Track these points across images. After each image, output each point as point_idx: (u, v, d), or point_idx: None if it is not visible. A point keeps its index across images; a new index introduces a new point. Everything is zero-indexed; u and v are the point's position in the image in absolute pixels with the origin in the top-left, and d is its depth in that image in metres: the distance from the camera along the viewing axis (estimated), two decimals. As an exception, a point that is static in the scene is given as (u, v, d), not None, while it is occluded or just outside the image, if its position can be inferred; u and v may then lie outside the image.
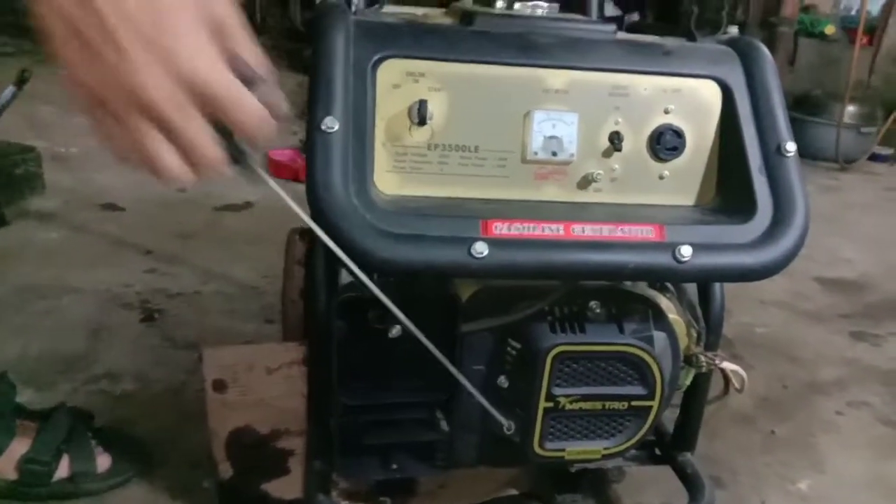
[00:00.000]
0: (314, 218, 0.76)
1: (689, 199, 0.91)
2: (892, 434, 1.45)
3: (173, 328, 1.61)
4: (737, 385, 1.18)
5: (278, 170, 2.57)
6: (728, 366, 1.11)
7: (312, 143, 0.76)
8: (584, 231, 0.80)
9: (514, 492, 1.19)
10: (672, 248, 0.80)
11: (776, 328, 1.86)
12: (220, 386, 1.33)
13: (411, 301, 0.87)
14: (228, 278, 1.86)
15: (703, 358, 0.99)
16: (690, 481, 1.05)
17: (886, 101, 3.82)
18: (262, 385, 1.34)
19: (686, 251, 0.79)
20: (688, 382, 1.02)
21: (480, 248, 0.75)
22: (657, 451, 1.13)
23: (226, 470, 1.16)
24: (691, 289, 1.03)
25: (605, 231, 0.80)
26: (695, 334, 1.01)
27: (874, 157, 3.66)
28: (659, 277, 0.90)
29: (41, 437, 1.15)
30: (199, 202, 2.40)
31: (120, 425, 1.26)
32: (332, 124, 0.76)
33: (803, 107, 3.66)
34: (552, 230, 0.79)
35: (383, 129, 0.82)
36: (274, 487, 1.13)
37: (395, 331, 0.87)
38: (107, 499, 1.14)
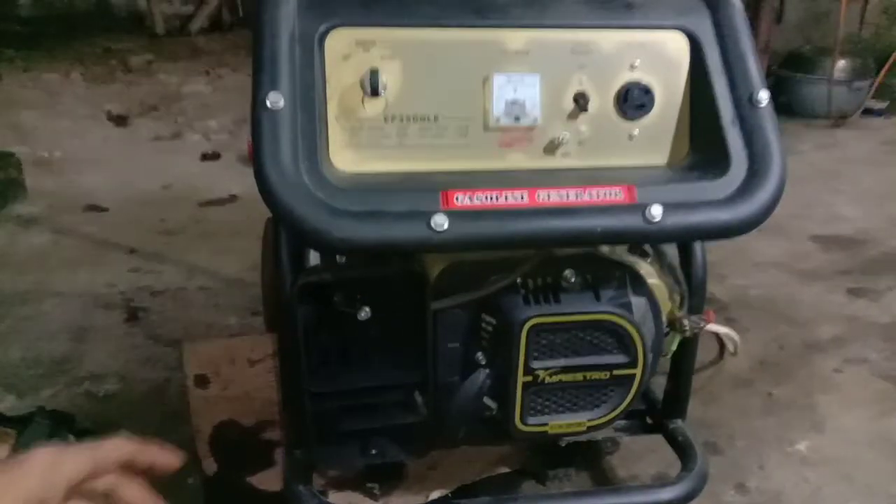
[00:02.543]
0: (264, 200, 0.73)
1: (661, 159, 0.87)
2: (891, 389, 1.42)
3: (157, 326, 1.58)
4: (731, 349, 1.16)
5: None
6: (721, 329, 1.08)
7: (258, 121, 0.73)
8: (549, 197, 0.76)
9: (505, 470, 1.16)
10: (642, 208, 0.76)
11: (772, 289, 1.82)
12: (202, 381, 1.32)
13: (378, 281, 0.85)
14: (213, 273, 1.83)
15: (687, 322, 0.96)
16: (682, 449, 1.02)
17: (878, 54, 3.75)
18: (245, 378, 1.33)
19: (656, 211, 0.75)
20: (674, 348, 0.99)
21: (440, 221, 0.72)
22: (648, 421, 1.10)
23: (210, 465, 1.14)
24: (672, 252, 1.00)
25: (571, 196, 0.77)
26: (678, 298, 0.98)
27: (867, 112, 3.59)
28: (630, 240, 0.87)
29: (21, 443, 1.13)
30: (184, 198, 2.38)
31: (103, 427, 1.24)
32: (277, 100, 0.73)
33: (793, 64, 3.59)
34: (516, 198, 0.76)
35: (335, 103, 0.79)
36: (260, 480, 1.11)
37: (364, 313, 0.85)
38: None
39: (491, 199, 0.75)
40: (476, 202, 0.75)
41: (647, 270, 0.94)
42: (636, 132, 0.86)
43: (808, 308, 1.73)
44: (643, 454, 1.21)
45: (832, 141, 3.13)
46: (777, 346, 1.57)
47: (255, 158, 0.73)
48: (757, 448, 1.24)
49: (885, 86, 3.70)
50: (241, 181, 2.45)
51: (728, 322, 1.61)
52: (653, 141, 0.87)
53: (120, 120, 3.36)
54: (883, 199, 2.43)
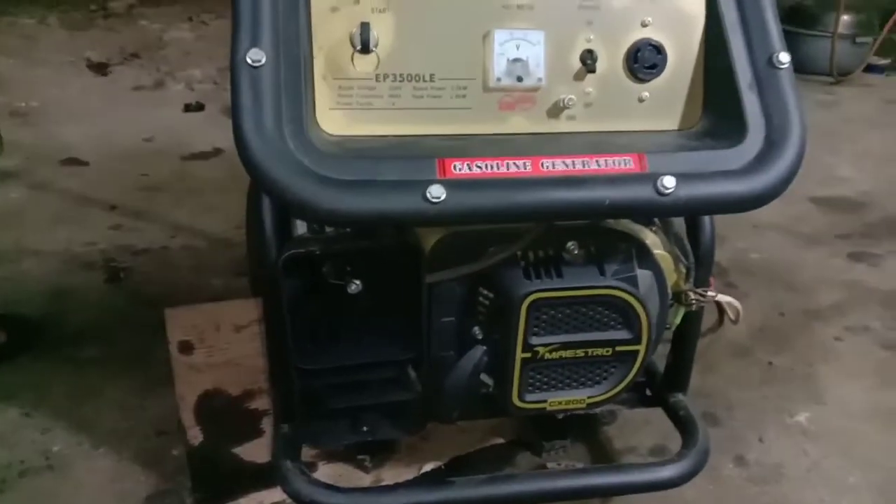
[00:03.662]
0: (245, 167, 0.67)
1: (672, 123, 0.82)
2: (892, 359, 1.39)
3: (139, 287, 1.53)
4: (731, 316, 1.12)
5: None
6: (722, 298, 1.04)
7: (237, 79, 0.67)
8: (553, 166, 0.71)
9: (500, 441, 1.13)
10: (653, 179, 0.71)
11: (772, 253, 1.78)
12: (185, 348, 1.27)
13: (369, 252, 0.80)
14: (197, 231, 1.77)
15: (692, 295, 0.92)
16: (683, 424, 0.99)
17: (882, 9, 3.65)
18: (231, 344, 1.28)
19: (669, 182, 0.70)
20: (678, 321, 0.95)
21: (437, 192, 0.66)
22: (648, 393, 1.07)
23: (195, 436, 1.10)
24: (679, 220, 0.95)
25: (577, 164, 0.71)
26: (683, 270, 0.93)
27: (869, 69, 3.51)
28: (640, 213, 0.82)
29: None
30: (167, 152, 2.29)
31: (83, 396, 1.20)
32: (258, 56, 0.66)
33: (795, 19, 3.49)
34: (518, 167, 0.70)
35: (322, 60, 0.72)
36: (247, 451, 1.08)
37: (354, 286, 0.80)
38: (71, 470, 1.08)
39: (491, 167, 0.70)
40: (475, 171, 0.69)
41: (652, 240, 0.89)
42: (646, 95, 0.80)
43: (809, 273, 1.70)
44: (640, 426, 1.18)
45: (833, 99, 3.06)
46: (777, 312, 1.54)
47: (235, 121, 0.67)
48: (756, 419, 1.22)
49: (889, 41, 3.61)
50: (226, 134, 2.31)
51: (728, 288, 1.58)
52: (663, 104, 0.81)
53: (100, 68, 3.23)
54: (884, 161, 2.38)
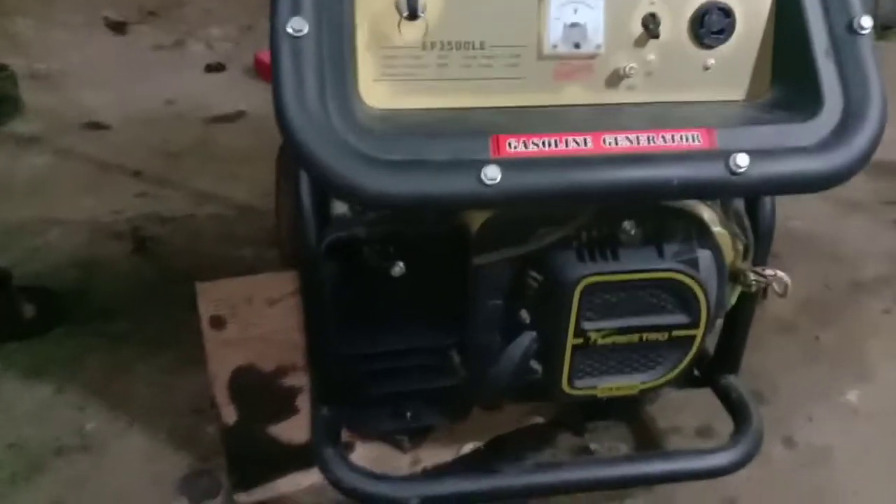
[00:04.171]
0: (286, 143, 0.62)
1: (739, 93, 0.76)
2: (944, 332, 1.34)
3: (167, 258, 1.50)
4: (779, 290, 1.07)
5: (268, 73, 2.38)
6: (770, 272, 0.99)
7: (277, 50, 0.62)
8: (616, 142, 0.66)
9: (539, 420, 1.10)
10: (725, 156, 0.66)
11: (814, 221, 1.72)
12: (217, 323, 1.24)
13: (414, 235, 0.75)
14: (224, 199, 1.73)
15: (751, 275, 0.87)
16: (736, 407, 0.95)
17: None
18: (264, 319, 1.25)
19: (742, 161, 0.65)
20: (733, 302, 0.91)
21: (492, 174, 0.61)
22: (696, 373, 1.03)
23: (230, 414, 1.08)
24: (737, 195, 0.89)
25: (642, 140, 0.66)
26: (741, 247, 0.88)
27: (914, 22, 3.37)
28: (710, 194, 0.77)
29: None
30: (189, 115, 2.24)
31: (115, 372, 1.18)
32: (300, 26, 0.61)
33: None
34: (578, 144, 0.65)
35: (366, 29, 0.67)
36: (282, 430, 1.05)
37: (398, 269, 0.76)
38: (106, 449, 1.06)
39: (549, 145, 0.65)
40: (532, 149, 0.64)
41: (709, 216, 0.84)
42: (712, 62, 0.74)
43: (853, 243, 1.63)
44: (683, 405, 1.14)
45: (877, 56, 2.93)
46: (822, 285, 1.48)
47: (276, 95, 0.63)
48: (804, 398, 1.18)
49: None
50: (249, 95, 2.31)
51: (772, 258, 1.52)
52: (730, 73, 0.75)
53: (118, 27, 3.17)
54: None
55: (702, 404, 1.09)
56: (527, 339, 0.78)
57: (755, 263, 0.88)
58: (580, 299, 0.75)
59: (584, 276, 0.74)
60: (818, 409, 1.16)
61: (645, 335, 0.79)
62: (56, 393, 1.15)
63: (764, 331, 1.32)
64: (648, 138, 0.66)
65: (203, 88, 2.51)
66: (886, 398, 1.18)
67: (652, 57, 0.73)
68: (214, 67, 2.71)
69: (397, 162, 0.62)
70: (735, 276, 0.87)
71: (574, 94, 0.73)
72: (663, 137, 0.66)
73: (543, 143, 0.64)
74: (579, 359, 0.79)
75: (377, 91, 0.69)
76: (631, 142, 0.66)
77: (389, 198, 0.61)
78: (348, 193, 0.62)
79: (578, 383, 0.81)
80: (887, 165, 1.99)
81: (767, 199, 0.89)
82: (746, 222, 0.87)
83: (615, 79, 0.73)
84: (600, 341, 0.78)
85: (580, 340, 0.78)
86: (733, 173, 0.65)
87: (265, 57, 2.55)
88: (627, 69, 0.72)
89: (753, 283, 0.86)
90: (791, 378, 1.22)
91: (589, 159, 0.64)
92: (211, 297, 1.24)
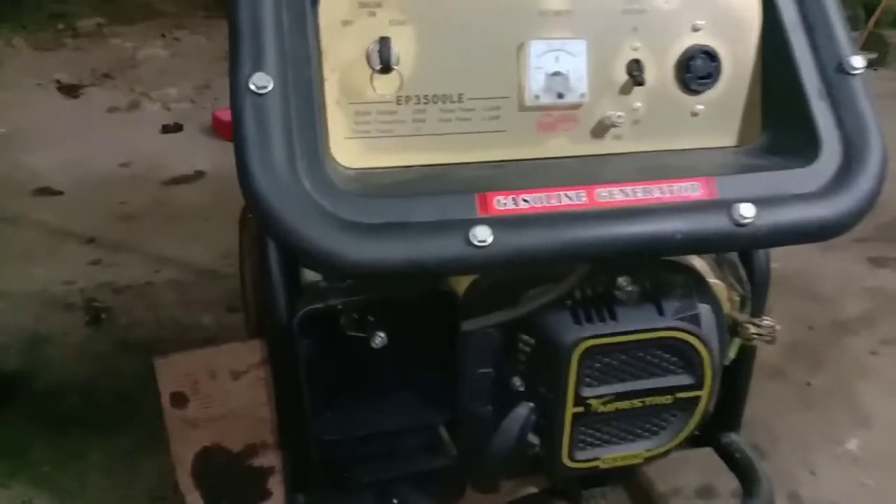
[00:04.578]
0: (253, 210, 0.56)
1: (729, 139, 0.73)
2: (934, 371, 1.32)
3: (123, 330, 1.41)
4: (767, 337, 1.03)
5: (226, 131, 2.33)
6: (769, 322, 0.95)
7: (240, 110, 0.56)
8: (611, 195, 0.61)
9: (534, 490, 1.03)
10: (727, 206, 0.61)
11: (790, 261, 1.70)
12: (179, 400, 1.14)
13: (394, 301, 0.69)
14: (182, 263, 1.65)
15: (751, 327, 0.82)
16: (741, 469, 0.90)
17: (867, 3, 3.62)
18: (229, 393, 1.16)
19: (747, 211, 0.60)
20: (732, 356, 0.86)
21: (482, 235, 0.56)
22: (696, 432, 0.97)
23: (195, 501, 0.99)
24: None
25: (638, 193, 0.61)
26: (737, 298, 0.84)
27: (859, 63, 3.47)
28: (716, 247, 0.72)
29: None
30: (145, 177, 2.17)
31: (66, 461, 1.08)
32: (263, 82, 0.56)
33: (784, 15, 3.45)
34: (571, 199, 0.60)
35: (335, 83, 0.62)
36: (253, 517, 0.96)
37: (379, 339, 0.69)
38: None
39: (541, 201, 0.59)
40: (522, 206, 0.59)
41: (701, 267, 0.79)
42: (700, 108, 0.71)
43: (830, 281, 1.62)
44: (679, 464, 1.09)
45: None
46: (806, 326, 1.45)
47: (240, 158, 0.57)
48: (803, 449, 1.13)
49: (875, 35, 3.58)
50: (207, 155, 2.26)
51: (753, 302, 1.49)
52: (719, 118, 0.72)
53: (70, 90, 3.10)
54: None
55: (700, 462, 1.03)
56: (522, 410, 0.72)
57: (753, 314, 0.84)
58: (579, 364, 0.69)
59: (583, 339, 0.68)
60: (820, 461, 1.11)
61: (648, 399, 0.73)
62: (-1, 487, 1.05)
63: (754, 378, 1.28)
64: (644, 190, 0.62)
65: (160, 149, 2.44)
66: (886, 444, 1.14)
67: (638, 104, 0.69)
68: (171, 128, 2.64)
69: (377, 226, 0.56)
70: (733, 330, 0.83)
71: (559, 145, 0.68)
72: (660, 189, 0.62)
73: (535, 199, 0.59)
74: (580, 429, 0.73)
75: (349, 149, 0.64)
76: (626, 195, 0.61)
77: (370, 265, 0.55)
78: (324, 262, 0.56)
79: (580, 455, 0.74)
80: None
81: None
82: (742, 272, 0.83)
83: (601, 128, 0.69)
84: (601, 408, 0.72)
85: (580, 409, 0.71)
86: (738, 224, 0.60)
87: (223, 115, 2.49)
88: (614, 118, 0.68)
89: (755, 336, 0.81)
90: (788, 427, 1.18)
91: (584, 215, 0.59)
92: (170, 372, 1.15)
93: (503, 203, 0.59)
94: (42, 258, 1.70)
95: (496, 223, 0.57)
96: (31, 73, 3.17)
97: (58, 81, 3.14)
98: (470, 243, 0.56)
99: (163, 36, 3.73)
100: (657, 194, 0.62)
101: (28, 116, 2.70)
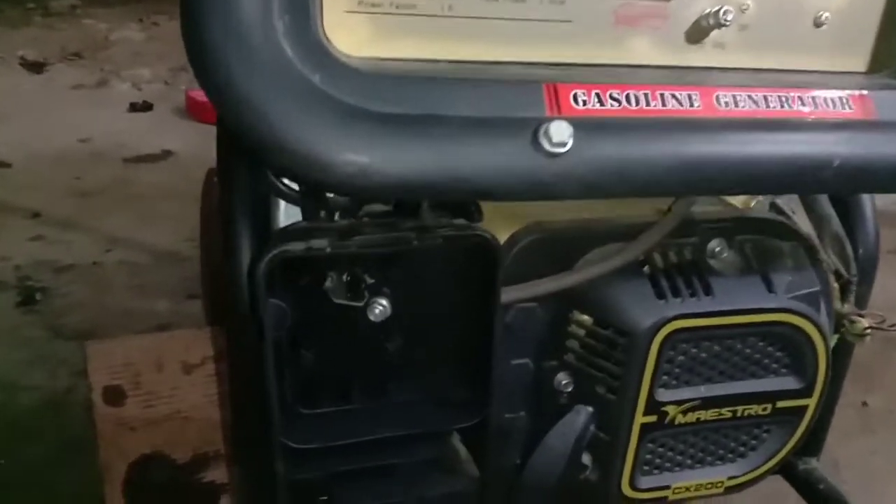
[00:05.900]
0: (218, 103, 0.36)
1: (857, 63, 0.54)
2: None
3: (60, 313, 1.20)
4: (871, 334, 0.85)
5: (201, 112, 2.13)
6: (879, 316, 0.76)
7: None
8: (736, 103, 0.42)
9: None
10: (892, 130, 0.42)
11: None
12: (114, 396, 0.93)
13: (403, 252, 0.48)
14: (138, 244, 1.44)
15: (858, 320, 0.64)
16: (825, 501, 0.70)
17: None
18: (177, 390, 0.95)
19: (929, 132, 0.42)
20: (826, 358, 0.67)
21: (559, 135, 0.36)
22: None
23: (125, 525, 0.78)
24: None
25: (772, 102, 0.42)
26: (836, 285, 0.65)
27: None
28: (880, 184, 0.53)
29: None
30: (105, 154, 1.96)
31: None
32: None
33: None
34: (680, 102, 0.41)
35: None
36: (199, 548, 0.75)
37: (380, 309, 0.48)
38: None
39: (637, 100, 0.40)
40: (611, 106, 0.40)
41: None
42: (826, 16, 0.52)
43: (876, 293, 1.44)
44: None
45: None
46: (854, 341, 1.27)
47: (186, 14, 0.37)
48: (870, 478, 0.96)
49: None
50: (178, 135, 2.06)
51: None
52: (847, 33, 0.53)
53: (35, 66, 2.89)
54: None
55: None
56: (573, 418, 0.52)
57: (857, 304, 0.65)
58: (658, 355, 0.49)
59: (667, 321, 0.49)
60: (890, 492, 0.93)
61: (740, 408, 0.54)
62: None
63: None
64: (781, 99, 0.43)
65: (125, 127, 2.23)
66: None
67: (748, 2, 0.51)
68: (140, 107, 2.44)
69: (398, 117, 0.36)
70: (837, 323, 0.64)
71: (639, 50, 0.49)
72: (800, 99, 0.43)
73: (628, 99, 0.40)
74: (648, 445, 0.53)
75: (352, 29, 0.44)
76: (756, 103, 0.42)
77: (387, 177, 0.35)
78: (317, 169, 0.35)
79: (645, 482, 0.54)
80: (891, 215, 1.84)
81: (870, 219, 0.67)
82: (849, 249, 0.64)
83: (698, 31, 0.50)
84: (680, 418, 0.53)
85: (652, 418, 0.52)
86: (914, 152, 0.42)
87: (197, 95, 2.30)
88: (721, 15, 0.49)
89: (869, 332, 0.62)
90: (850, 452, 1.00)
91: (703, 123, 0.40)
92: (106, 361, 0.93)
93: (582, 100, 0.39)
94: (-24, 232, 1.48)
95: (577, 124, 0.37)
96: (-8, 49, 2.95)
97: (22, 58, 2.93)
98: (539, 147, 0.36)
99: (140, 20, 3.54)
100: (798, 106, 0.43)
101: (-18, 90, 2.48)
